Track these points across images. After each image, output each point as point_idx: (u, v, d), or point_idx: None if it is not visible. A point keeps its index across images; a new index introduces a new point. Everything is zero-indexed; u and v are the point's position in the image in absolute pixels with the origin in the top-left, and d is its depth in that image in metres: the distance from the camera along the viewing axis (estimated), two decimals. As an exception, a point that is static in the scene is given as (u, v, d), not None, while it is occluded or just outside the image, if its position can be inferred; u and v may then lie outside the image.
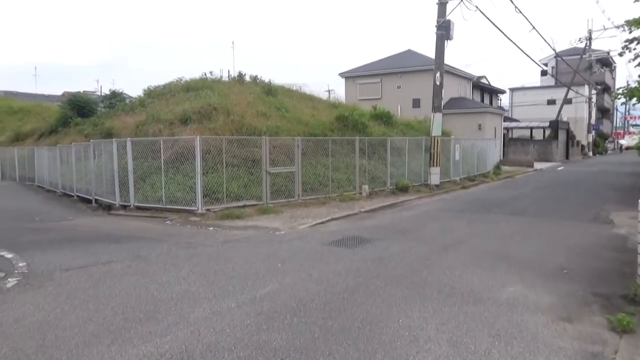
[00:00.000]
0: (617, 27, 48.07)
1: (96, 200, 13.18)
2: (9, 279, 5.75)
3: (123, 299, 5.05)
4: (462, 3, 16.11)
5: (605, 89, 62.11)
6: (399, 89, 32.75)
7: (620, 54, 17.75)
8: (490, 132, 31.18)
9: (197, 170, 10.94)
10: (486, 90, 41.70)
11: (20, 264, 6.43)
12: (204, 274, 6.06)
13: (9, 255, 6.90)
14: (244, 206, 11.49)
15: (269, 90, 20.12)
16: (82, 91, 34.64)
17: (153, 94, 20.90)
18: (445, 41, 16.37)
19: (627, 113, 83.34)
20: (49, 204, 13.91)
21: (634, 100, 21.48)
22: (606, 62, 59.29)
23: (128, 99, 25.30)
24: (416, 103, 31.47)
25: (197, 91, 18.57)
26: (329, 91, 38.87)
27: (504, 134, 36.69)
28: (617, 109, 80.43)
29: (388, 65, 33.89)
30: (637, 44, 16.71)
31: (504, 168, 26.01)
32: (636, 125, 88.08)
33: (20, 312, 4.67)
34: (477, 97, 38.89)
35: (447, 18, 16.16)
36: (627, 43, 16.98)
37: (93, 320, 4.44)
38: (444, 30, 16.03)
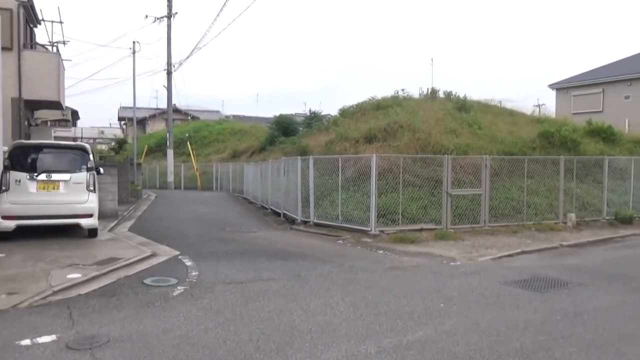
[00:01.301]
0: None
1: (284, 214, 13.91)
2: (178, 287, 6.12)
3: (263, 323, 4.82)
4: None
5: None
6: (627, 99, 27.48)
7: None
8: None
9: (371, 190, 10.55)
10: None
11: (194, 273, 6.86)
12: (354, 304, 5.50)
13: (189, 263, 7.47)
14: (421, 230, 10.63)
15: (462, 105, 18.85)
16: (294, 113, 38.30)
17: (346, 114, 21.63)
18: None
19: None
20: (245, 215, 15.25)
21: None
22: None
23: (326, 119, 26.79)
24: (651, 116, 25.86)
25: (387, 109, 18.48)
26: (538, 105, 34.68)
27: None
28: None
29: (612, 72, 28.78)
30: None
31: None
32: None
33: (171, 323, 4.80)
34: None
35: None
36: None
37: (227, 344, 4.27)
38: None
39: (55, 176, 8.74)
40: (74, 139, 37.40)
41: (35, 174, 8.62)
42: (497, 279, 6.89)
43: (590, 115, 22.98)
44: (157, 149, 36.12)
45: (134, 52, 26.90)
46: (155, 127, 51.08)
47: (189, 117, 51.65)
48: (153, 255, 7.87)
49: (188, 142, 31.54)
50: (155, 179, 30.83)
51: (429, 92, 21.67)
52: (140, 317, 4.99)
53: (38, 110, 19.32)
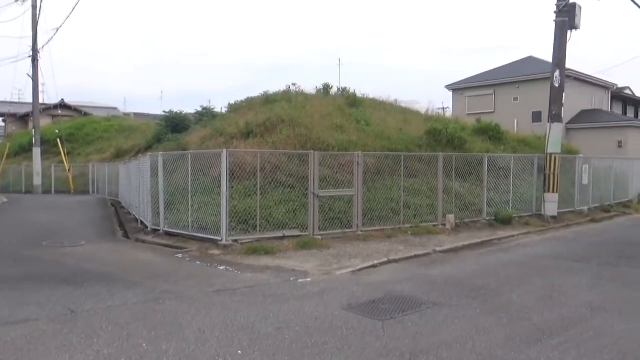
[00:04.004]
0: None
1: (141, 221, 11.87)
2: None
3: None
4: (592, -20, 12.29)
5: None
6: (515, 101, 28.35)
7: None
8: (635, 151, 25.32)
9: (222, 192, 8.89)
10: (630, 102, 34.86)
11: None
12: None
13: None
14: (283, 237, 9.17)
15: (354, 101, 17.90)
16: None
17: (234, 109, 19.98)
18: (569, 31, 12.62)
19: None
20: (94, 223, 12.86)
21: None
22: None
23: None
24: (536, 117, 26.78)
25: (275, 104, 17.04)
26: (443, 108, 35.00)
27: (654, 154, 29.87)
28: None
29: (503, 75, 29.62)
30: None
31: (655, 196, 20.41)
32: None
33: None
34: (618, 110, 32.54)
35: (572, 0, 12.46)
36: None
37: None
38: (565, 16, 12.33)
39: None
40: None
41: None
42: (342, 302, 5.52)
43: (483, 115, 23.17)
44: (31, 148, 31.83)
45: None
46: (41, 124, 45.69)
47: (82, 114, 46.82)
48: None
49: (58, 140, 27.86)
50: (21, 182, 26.89)
51: (323, 87, 20.51)
52: None
53: None
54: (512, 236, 10.61)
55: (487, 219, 11.97)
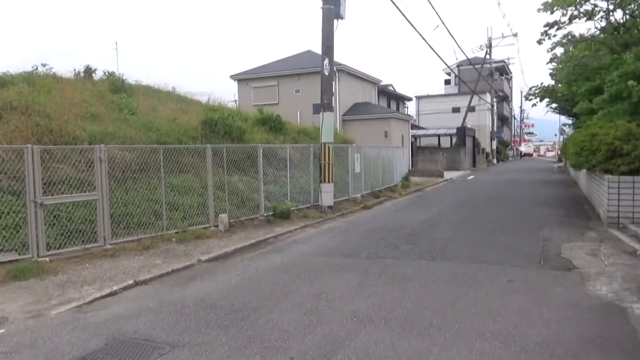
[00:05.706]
0: (514, 35, 48.96)
1: None
2: None
3: None
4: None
5: (504, 97, 63.59)
6: (297, 93, 28.97)
7: (539, 42, 15.19)
8: (397, 140, 28.38)
9: None
10: (392, 97, 39.41)
11: None
12: None
13: None
14: (-12, 266, 6.65)
15: (120, 87, 15.37)
16: None
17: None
18: (335, 20, 12.62)
19: (522, 121, 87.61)
20: None
21: (541, 102, 19.49)
22: (504, 71, 60.62)
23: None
24: (316, 109, 27.50)
25: (12, 86, 13.36)
26: (235, 100, 33.83)
27: (412, 143, 34.29)
28: (514, 117, 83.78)
29: (286, 67, 30.01)
30: (557, 29, 14.13)
31: (413, 179, 23.00)
32: (530, 133, 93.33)
33: None
34: (384, 104, 36.37)
35: (336, -10, 12.45)
36: (546, 28, 14.35)
37: None
38: (331, 4, 12.25)
39: None
40: None
41: None
42: (32, 368, 3.71)
43: (268, 107, 22.69)
44: None
45: None
46: None
47: None
48: None
49: None
50: None
51: (84, 70, 17.24)
52: None
53: None
54: (290, 232, 9.96)
55: (265, 214, 11.18)
